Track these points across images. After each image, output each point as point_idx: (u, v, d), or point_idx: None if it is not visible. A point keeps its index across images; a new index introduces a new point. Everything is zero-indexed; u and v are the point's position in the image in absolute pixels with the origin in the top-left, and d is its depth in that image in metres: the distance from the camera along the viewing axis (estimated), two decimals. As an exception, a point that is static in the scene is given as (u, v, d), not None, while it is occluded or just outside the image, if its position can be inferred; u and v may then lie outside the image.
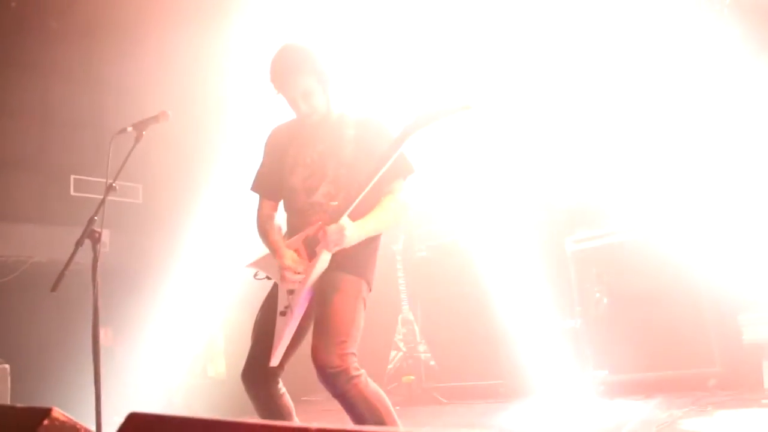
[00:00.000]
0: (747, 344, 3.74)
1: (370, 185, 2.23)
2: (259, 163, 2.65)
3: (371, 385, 2.24)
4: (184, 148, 5.79)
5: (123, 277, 5.04)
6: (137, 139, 2.85)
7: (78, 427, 1.40)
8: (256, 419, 2.37)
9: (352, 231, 2.26)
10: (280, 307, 2.35)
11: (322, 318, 2.28)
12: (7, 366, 3.91)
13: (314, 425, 0.95)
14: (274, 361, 2.31)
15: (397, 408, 2.29)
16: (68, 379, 4.49)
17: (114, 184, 2.77)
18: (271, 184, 2.59)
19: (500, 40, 4.94)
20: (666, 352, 4.08)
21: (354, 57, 5.02)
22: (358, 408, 2.19)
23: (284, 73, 2.39)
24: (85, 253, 2.70)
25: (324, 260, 2.29)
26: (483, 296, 4.92)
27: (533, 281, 4.73)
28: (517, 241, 4.90)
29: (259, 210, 2.60)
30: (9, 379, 3.86)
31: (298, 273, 2.32)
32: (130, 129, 2.85)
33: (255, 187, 2.64)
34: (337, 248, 2.27)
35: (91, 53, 5.32)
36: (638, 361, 4.17)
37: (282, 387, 2.44)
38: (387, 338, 5.24)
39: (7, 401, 3.80)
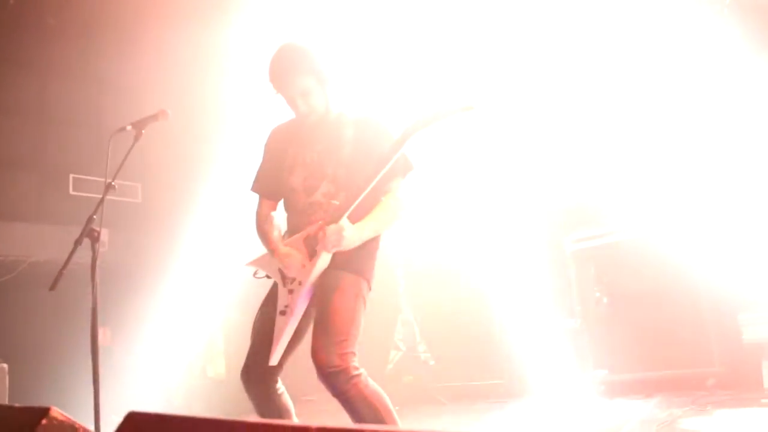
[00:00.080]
0: (747, 344, 3.74)
1: (371, 186, 2.22)
2: (259, 163, 2.65)
3: (371, 385, 2.23)
4: (184, 147, 5.78)
5: (122, 277, 5.03)
6: (136, 138, 2.84)
7: (76, 426, 1.39)
8: (256, 419, 2.37)
9: (351, 233, 2.26)
10: (280, 307, 2.34)
11: (322, 317, 2.27)
12: (5, 365, 3.91)
13: (315, 424, 0.94)
14: (274, 361, 2.30)
15: (397, 408, 2.28)
16: (66, 378, 4.48)
17: (113, 183, 2.76)
18: (270, 184, 2.59)
19: (500, 40, 4.93)
20: (666, 351, 4.07)
21: (354, 56, 5.01)
22: (358, 407, 2.18)
23: (283, 72, 2.38)
24: (83, 253, 2.69)
25: (324, 260, 2.29)
26: (483, 296, 4.91)
27: (533, 281, 4.73)
28: (517, 241, 4.90)
29: (258, 210, 2.60)
30: (7, 379, 3.85)
31: (296, 266, 2.31)
32: (129, 128, 2.84)
33: (254, 187, 2.64)
34: (335, 249, 2.27)
35: (89, 51, 5.30)
36: (638, 360, 4.17)
37: (281, 386, 2.43)
38: (387, 338, 5.23)
39: (6, 401, 3.79)
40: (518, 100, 5.03)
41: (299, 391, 2.65)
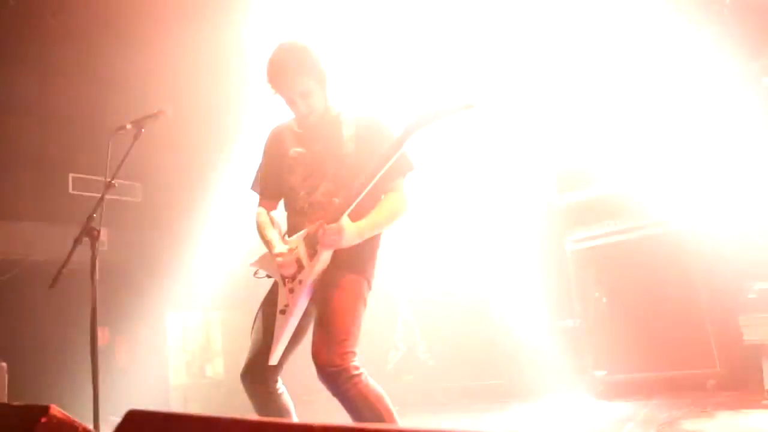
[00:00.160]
0: (747, 345, 3.73)
1: (371, 184, 2.22)
2: (259, 163, 2.65)
3: (371, 385, 2.23)
4: (184, 146, 5.77)
5: (121, 276, 5.02)
6: (136, 137, 2.84)
7: (76, 425, 1.39)
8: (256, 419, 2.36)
9: (352, 231, 2.26)
10: (280, 306, 2.34)
11: (323, 316, 2.27)
12: (4, 364, 3.90)
13: (317, 423, 0.94)
14: (273, 360, 2.30)
15: (397, 408, 2.27)
16: (66, 377, 4.48)
17: (113, 182, 2.76)
18: (270, 184, 2.59)
19: (498, 37, 4.92)
20: (666, 352, 4.07)
21: (353, 56, 5.01)
22: (358, 407, 2.18)
23: (282, 73, 2.38)
24: (83, 252, 2.68)
25: (324, 259, 2.29)
26: (483, 296, 4.91)
27: (533, 281, 4.73)
28: (517, 241, 4.89)
29: (258, 209, 2.60)
30: (6, 378, 3.84)
31: (292, 262, 2.31)
32: (129, 126, 2.85)
33: (254, 187, 2.64)
34: (335, 248, 2.26)
35: (89, 51, 5.29)
36: (638, 361, 4.17)
37: (281, 386, 2.43)
38: (387, 338, 5.23)
39: (5, 399, 3.79)
40: (519, 100, 5.03)
41: (299, 391, 2.64)
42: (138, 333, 5.46)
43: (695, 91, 4.15)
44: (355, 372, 2.19)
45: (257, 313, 2.47)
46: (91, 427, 1.64)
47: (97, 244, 2.67)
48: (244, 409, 2.48)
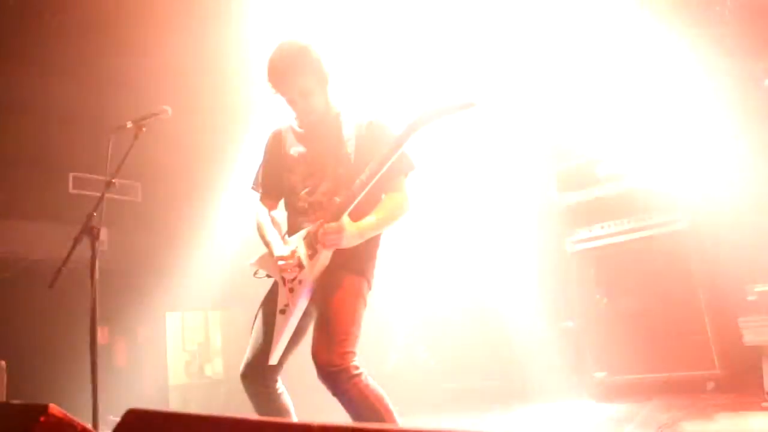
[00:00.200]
0: (747, 347, 3.73)
1: (372, 183, 2.21)
2: (259, 163, 2.64)
3: (371, 384, 2.22)
4: (184, 146, 5.77)
5: (121, 276, 5.02)
6: (136, 136, 2.84)
7: (75, 424, 1.38)
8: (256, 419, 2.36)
9: (352, 230, 2.25)
10: (280, 306, 2.33)
11: (323, 316, 2.27)
12: (3, 363, 3.89)
13: (316, 422, 0.93)
14: (273, 360, 2.30)
15: (397, 408, 2.27)
16: (65, 376, 4.47)
17: (113, 181, 2.75)
18: (270, 183, 2.58)
19: (499, 37, 4.92)
20: (666, 353, 4.06)
21: (354, 55, 5.00)
22: (358, 407, 2.17)
23: (282, 73, 2.37)
24: (83, 252, 2.68)
25: (324, 258, 2.28)
26: (483, 297, 4.91)
27: (533, 282, 4.72)
28: (517, 242, 4.89)
29: (258, 209, 2.60)
30: (5, 376, 3.83)
31: (294, 266, 2.30)
32: (129, 125, 2.84)
33: (255, 186, 2.64)
34: (335, 247, 2.26)
35: (89, 50, 5.28)
36: (638, 362, 4.16)
37: (281, 386, 2.43)
38: (387, 338, 5.23)
39: (4, 398, 3.78)
40: (519, 99, 5.02)
41: (299, 391, 2.64)
42: (137, 333, 5.46)
43: (696, 93, 4.15)
44: (355, 372, 2.19)
45: (257, 313, 2.47)
46: (90, 426, 1.64)
47: (96, 243, 2.67)
48: (244, 409, 2.48)
